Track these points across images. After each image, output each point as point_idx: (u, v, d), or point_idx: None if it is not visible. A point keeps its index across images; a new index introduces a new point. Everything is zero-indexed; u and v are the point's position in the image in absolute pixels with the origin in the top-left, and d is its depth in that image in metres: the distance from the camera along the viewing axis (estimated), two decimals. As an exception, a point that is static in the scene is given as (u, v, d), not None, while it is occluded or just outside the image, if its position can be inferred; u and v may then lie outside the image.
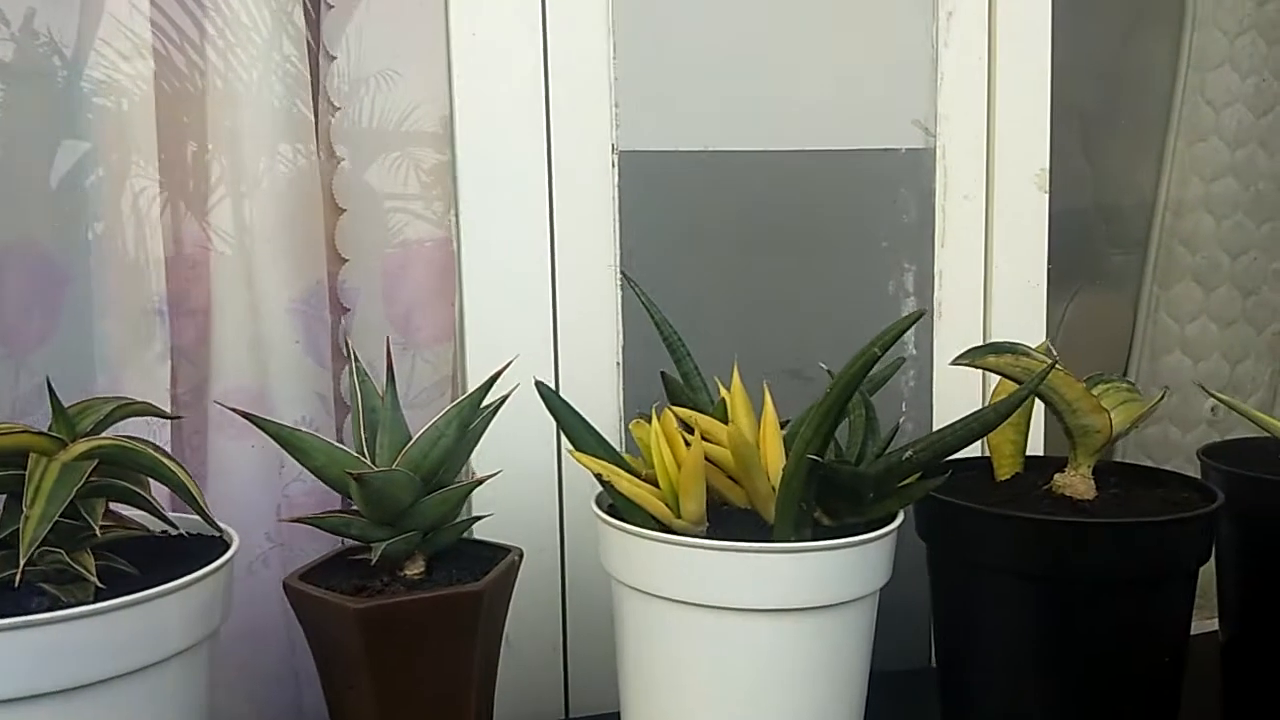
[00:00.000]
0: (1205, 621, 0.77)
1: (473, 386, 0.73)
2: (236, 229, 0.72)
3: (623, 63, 0.73)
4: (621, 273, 0.66)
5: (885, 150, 0.80)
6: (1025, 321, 0.84)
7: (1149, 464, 1.12)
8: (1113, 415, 0.61)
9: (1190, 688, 0.69)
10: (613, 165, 0.74)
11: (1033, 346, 0.61)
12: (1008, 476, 0.66)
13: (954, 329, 0.82)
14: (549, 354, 0.74)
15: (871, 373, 0.65)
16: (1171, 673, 0.59)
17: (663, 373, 0.59)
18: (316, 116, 0.75)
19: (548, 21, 0.72)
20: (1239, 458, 0.68)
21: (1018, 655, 0.58)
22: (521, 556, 0.55)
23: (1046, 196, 0.84)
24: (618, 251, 0.75)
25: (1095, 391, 0.63)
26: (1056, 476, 0.62)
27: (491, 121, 0.72)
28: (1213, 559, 0.70)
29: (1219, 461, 0.67)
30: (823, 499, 0.54)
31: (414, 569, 0.52)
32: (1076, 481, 0.61)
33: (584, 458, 0.53)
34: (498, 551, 0.55)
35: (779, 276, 0.79)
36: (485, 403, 0.56)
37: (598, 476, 0.53)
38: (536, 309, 0.74)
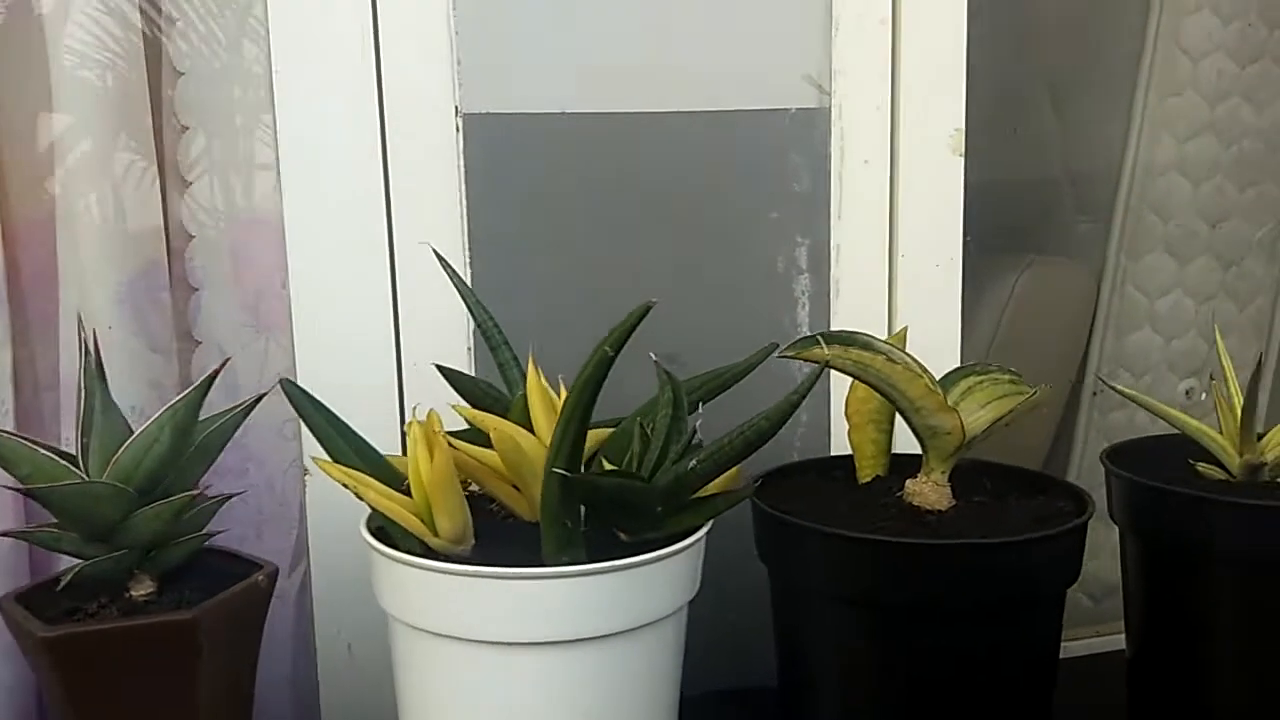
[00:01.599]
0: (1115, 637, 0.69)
1: (304, 378, 0.68)
2: (70, 204, 0.66)
3: (465, 13, 0.66)
4: (433, 249, 0.59)
5: (772, 110, 0.72)
6: (936, 301, 0.75)
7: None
8: (978, 413, 0.54)
9: (1097, 707, 0.63)
10: (456, 129, 0.67)
11: (882, 336, 0.54)
12: (868, 479, 0.58)
13: (853, 310, 0.74)
14: (389, 341, 0.68)
15: (734, 363, 0.58)
16: (1031, 707, 0.51)
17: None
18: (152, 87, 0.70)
19: (375, -32, 0.65)
20: (1148, 460, 0.60)
21: (851, 687, 0.51)
22: (272, 576, 0.49)
23: (962, 161, 0.75)
24: (465, 226, 0.68)
25: (964, 385, 0.56)
26: (908, 484, 0.54)
27: (315, 80, 0.65)
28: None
29: (1124, 465, 0.59)
30: (612, 514, 0.48)
31: (141, 590, 0.47)
32: (927, 490, 0.53)
33: (330, 467, 0.47)
34: (251, 569, 0.49)
35: (653, 253, 0.72)
36: (239, 402, 0.50)
37: (345, 487, 0.47)
38: (373, 290, 0.67)
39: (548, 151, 0.69)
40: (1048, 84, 1.13)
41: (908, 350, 0.54)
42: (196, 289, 0.73)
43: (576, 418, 0.41)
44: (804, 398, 0.42)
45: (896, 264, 0.74)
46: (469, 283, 0.68)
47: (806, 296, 0.74)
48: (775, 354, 0.50)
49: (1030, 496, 0.55)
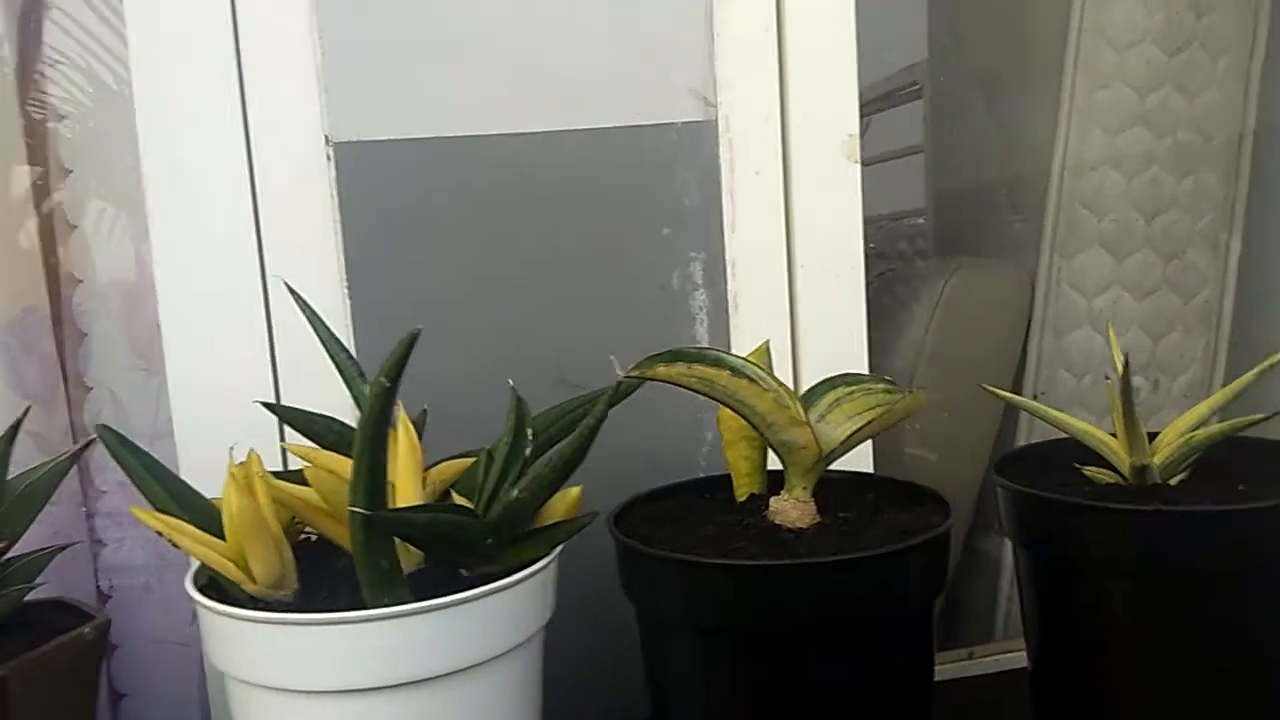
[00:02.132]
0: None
1: (180, 421, 0.67)
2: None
3: (330, 41, 0.65)
4: (284, 283, 0.58)
5: (657, 125, 0.70)
6: (839, 312, 0.73)
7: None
8: (845, 425, 0.51)
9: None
10: (328, 159, 0.66)
11: (786, 351, 0.52)
12: (744, 498, 0.56)
13: (753, 324, 0.72)
14: (267, 380, 0.66)
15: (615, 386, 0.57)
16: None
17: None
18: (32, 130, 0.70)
19: (234, -3, 0.64)
20: (1040, 467, 0.58)
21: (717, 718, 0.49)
22: (101, 629, 0.47)
23: (858, 168, 0.73)
24: (341, 257, 0.67)
25: (833, 396, 0.54)
26: (771, 502, 0.52)
27: (177, 113, 0.64)
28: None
29: (1014, 474, 0.56)
30: (446, 550, 0.46)
31: (-38, 647, 0.45)
32: (788, 508, 0.51)
33: (142, 513, 0.45)
34: (83, 621, 0.48)
35: (543, 274, 0.70)
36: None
37: (160, 535, 0.45)
38: (248, 329, 0.66)
39: (426, 177, 0.67)
40: (981, 83, 1.11)
41: (795, 362, 0.52)
42: (86, 333, 0.72)
43: (367, 453, 0.39)
44: (601, 421, 0.40)
45: (796, 276, 0.72)
46: (350, 314, 0.67)
47: (704, 312, 0.72)
48: (621, 375, 0.49)
49: (906, 509, 0.53)
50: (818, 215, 0.72)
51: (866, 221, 1.31)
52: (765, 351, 0.54)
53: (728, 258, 0.71)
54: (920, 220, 1.24)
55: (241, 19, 0.64)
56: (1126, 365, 0.50)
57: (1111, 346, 0.59)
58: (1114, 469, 0.56)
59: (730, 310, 0.72)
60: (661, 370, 0.48)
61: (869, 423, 0.50)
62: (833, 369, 0.69)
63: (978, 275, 0.95)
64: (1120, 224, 0.96)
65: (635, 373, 0.49)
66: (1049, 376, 0.96)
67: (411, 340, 0.38)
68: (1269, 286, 1.05)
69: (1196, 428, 0.54)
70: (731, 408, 0.49)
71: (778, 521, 0.51)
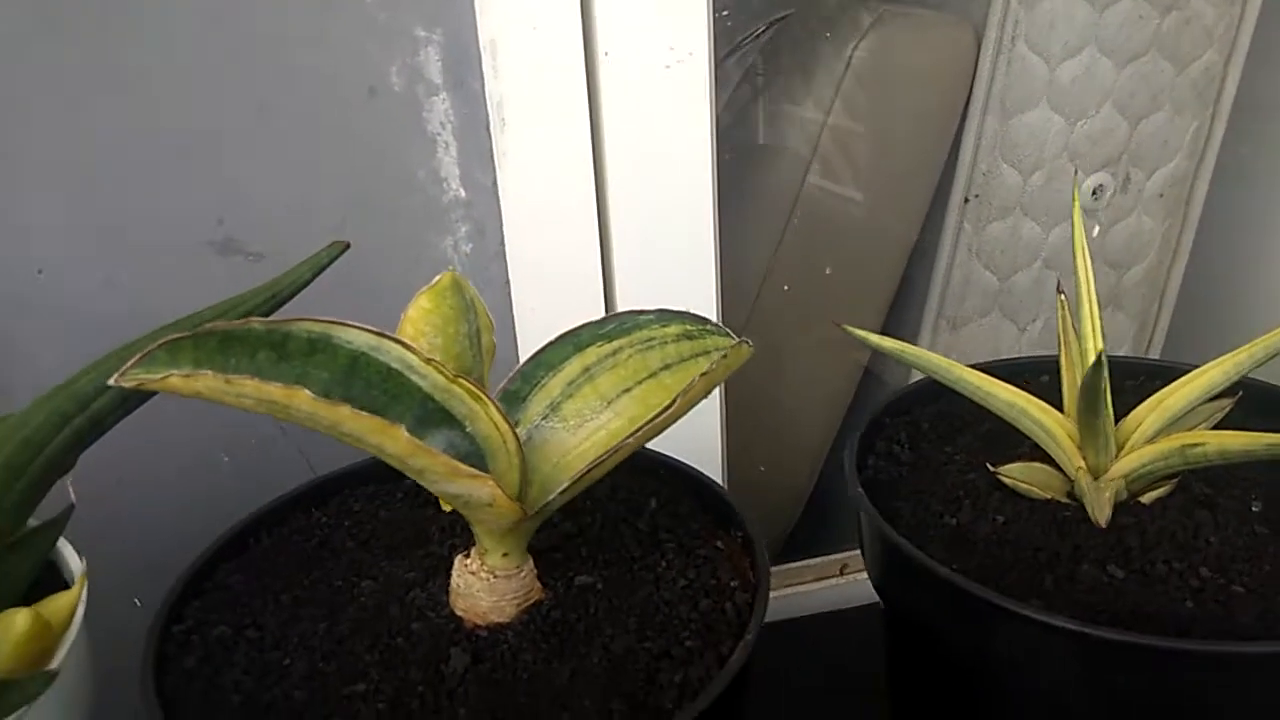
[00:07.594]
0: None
1: None
2: None
3: None
4: None
5: None
6: (673, 126, 0.47)
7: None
8: (596, 423, 0.29)
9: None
10: None
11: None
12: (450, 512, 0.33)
13: (533, 151, 0.46)
14: None
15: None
16: None
17: None
18: None
19: None
20: (922, 450, 0.35)
21: None
22: None
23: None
24: None
25: (571, 370, 0.30)
26: (454, 572, 0.29)
27: None
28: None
29: (876, 467, 0.34)
30: None
31: None
32: (477, 588, 0.28)
33: None
34: None
35: (172, 79, 0.42)
36: None
37: None
38: None
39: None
40: None
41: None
42: None
43: None
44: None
45: (598, 67, 0.45)
46: None
47: (449, 132, 0.46)
48: (111, 381, 0.24)
49: (692, 549, 0.31)
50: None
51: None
52: (448, 288, 0.29)
53: (482, 38, 0.44)
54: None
55: None
56: (1099, 362, 0.26)
57: (1077, 242, 0.35)
58: (1055, 465, 0.33)
59: (493, 128, 0.45)
60: (176, 382, 0.24)
61: (638, 430, 0.26)
62: (671, 230, 0.45)
63: (900, 34, 0.67)
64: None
65: (131, 381, 0.24)
66: (987, 171, 0.71)
67: None
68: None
69: (1196, 416, 0.31)
70: (338, 437, 0.25)
71: (460, 610, 0.29)
